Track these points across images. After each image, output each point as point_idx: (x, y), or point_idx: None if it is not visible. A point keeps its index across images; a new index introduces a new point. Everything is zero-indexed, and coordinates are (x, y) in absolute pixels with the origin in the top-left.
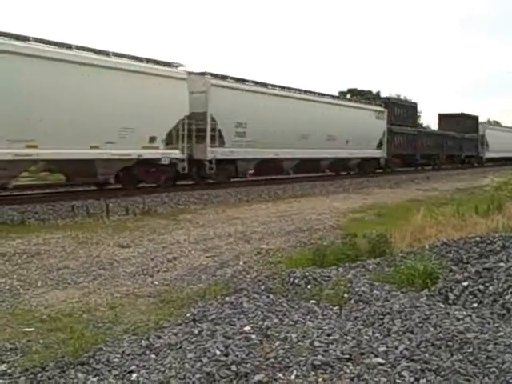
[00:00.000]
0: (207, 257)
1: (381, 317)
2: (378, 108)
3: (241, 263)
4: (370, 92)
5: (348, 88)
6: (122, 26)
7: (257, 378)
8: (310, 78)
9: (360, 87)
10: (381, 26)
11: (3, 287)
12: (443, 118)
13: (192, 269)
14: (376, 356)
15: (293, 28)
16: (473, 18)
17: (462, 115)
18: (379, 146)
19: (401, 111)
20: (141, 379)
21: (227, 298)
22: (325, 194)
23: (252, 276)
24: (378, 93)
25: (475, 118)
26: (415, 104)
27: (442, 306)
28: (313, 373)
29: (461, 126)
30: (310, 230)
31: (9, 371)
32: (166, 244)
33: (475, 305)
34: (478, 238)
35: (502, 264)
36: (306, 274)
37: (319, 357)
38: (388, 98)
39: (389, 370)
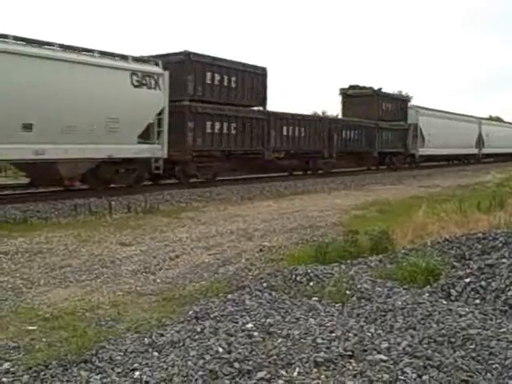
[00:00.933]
0: (209, 254)
1: (383, 313)
2: (143, 67)
3: (243, 261)
4: (371, 88)
5: (350, 84)
6: (120, 23)
7: (259, 374)
8: (311, 75)
9: (361, 83)
10: (382, 24)
11: (6, 286)
12: (348, 100)
13: (194, 266)
14: (378, 353)
15: (294, 24)
16: (473, 14)
17: (377, 94)
18: (147, 136)
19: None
20: (144, 377)
21: (229, 296)
22: (326, 190)
23: (254, 273)
24: (380, 89)
25: (402, 100)
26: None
27: (445, 302)
28: (315, 370)
29: (374, 110)
30: (311, 227)
31: (12, 369)
32: (168, 242)
33: (477, 301)
34: (480, 235)
35: (504, 260)
36: (308, 271)
37: (322, 354)
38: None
39: (391, 366)
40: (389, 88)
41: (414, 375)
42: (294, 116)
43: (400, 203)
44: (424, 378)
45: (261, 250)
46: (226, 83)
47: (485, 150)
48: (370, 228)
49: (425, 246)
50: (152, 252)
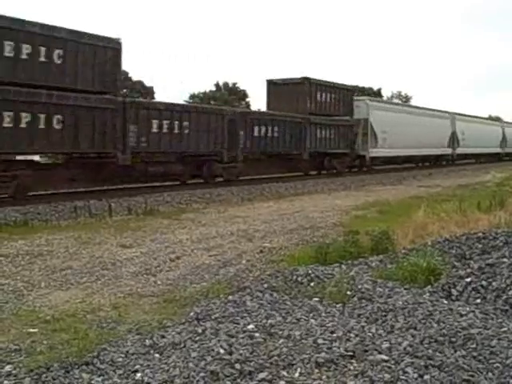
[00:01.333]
0: (210, 256)
1: (384, 313)
2: None
3: (243, 262)
4: (370, 89)
5: (350, 85)
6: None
7: (261, 375)
8: (311, 74)
9: (361, 84)
10: (382, 23)
11: (7, 288)
12: (274, 89)
13: (195, 268)
14: (380, 353)
15: (293, 23)
16: (471, 12)
17: (309, 82)
18: None
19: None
20: (145, 378)
21: (230, 297)
22: (326, 191)
23: (255, 274)
24: (379, 90)
25: (347, 90)
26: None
27: (445, 302)
28: (317, 370)
29: (304, 101)
30: (312, 227)
31: (14, 372)
32: (168, 243)
33: (478, 300)
34: (480, 234)
35: (504, 259)
36: (309, 271)
37: (323, 354)
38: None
39: (392, 366)
40: (388, 88)
41: (416, 375)
42: (170, 106)
43: (400, 203)
44: (425, 377)
45: (261, 251)
46: (42, 57)
47: (460, 150)
48: (370, 228)
49: (425, 245)
50: (152, 254)
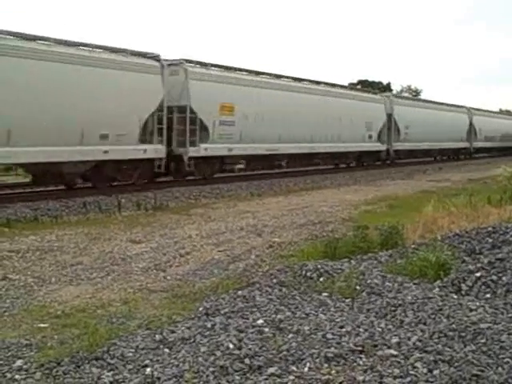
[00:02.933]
0: (219, 251)
1: (393, 308)
2: None
3: (253, 257)
4: (380, 83)
5: (358, 79)
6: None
7: (270, 370)
8: (320, 70)
9: (371, 78)
10: (391, 17)
11: (18, 284)
12: None
13: (204, 263)
14: (389, 348)
15: (303, 20)
16: (482, 5)
17: None
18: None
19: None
20: (155, 373)
21: (240, 292)
22: (336, 186)
23: (264, 269)
24: (389, 84)
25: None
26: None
27: (455, 296)
28: (326, 365)
29: None
30: (321, 222)
31: (25, 367)
32: (177, 239)
33: (488, 295)
34: (490, 229)
35: None
36: (318, 266)
37: (332, 349)
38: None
39: (402, 361)
40: (398, 82)
41: (425, 370)
42: None
43: (410, 198)
44: (435, 372)
45: (270, 246)
46: None
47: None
48: (379, 223)
49: (435, 240)
50: (162, 249)
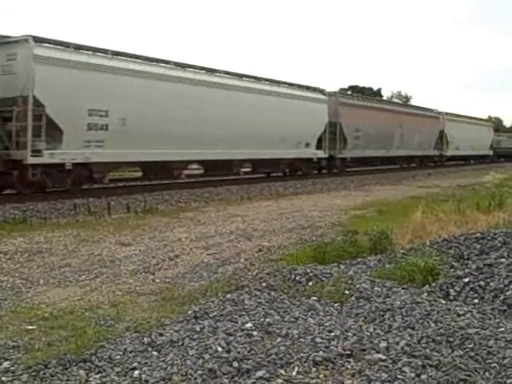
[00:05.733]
0: (208, 254)
1: (382, 313)
2: None
3: (242, 260)
4: (370, 89)
5: (349, 85)
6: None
7: (258, 374)
8: (311, 75)
9: (361, 84)
10: (382, 24)
11: (5, 285)
12: None
13: (193, 266)
14: (377, 352)
15: (294, 24)
16: (474, 12)
17: None
18: None
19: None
20: (143, 376)
21: (228, 295)
22: (326, 191)
23: (253, 273)
24: (379, 90)
25: None
26: None
27: (443, 301)
28: (314, 369)
29: None
30: (311, 227)
31: (12, 368)
32: (167, 242)
33: (476, 301)
34: (478, 235)
35: (502, 260)
36: (308, 270)
37: (321, 353)
38: None
39: (390, 365)
40: (388, 88)
41: (413, 374)
42: None
43: (399, 203)
44: (422, 377)
45: (260, 250)
46: None
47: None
48: (369, 228)
49: (424, 245)
50: (151, 252)
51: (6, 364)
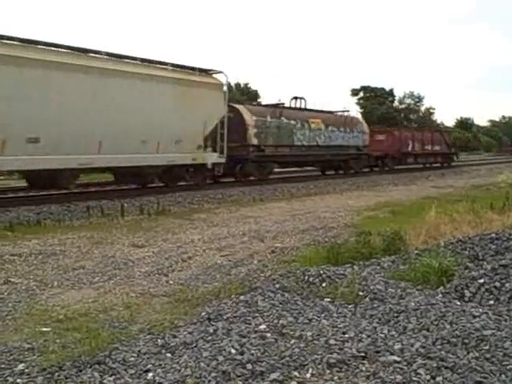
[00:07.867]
0: (222, 256)
1: (396, 314)
2: None
3: (255, 262)
4: (383, 89)
5: (361, 85)
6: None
7: (272, 376)
8: (323, 76)
9: (373, 84)
10: (395, 24)
11: (20, 287)
12: None
13: (206, 268)
14: (392, 354)
15: (305, 26)
16: (487, 11)
17: None
18: None
19: None
20: (157, 378)
21: (242, 297)
22: (338, 191)
23: (266, 275)
24: (392, 90)
25: None
26: None
27: (458, 303)
28: (328, 371)
29: None
30: (324, 228)
31: (26, 371)
32: (180, 243)
33: (491, 302)
34: (493, 235)
35: None
36: (321, 272)
37: (334, 355)
38: None
39: (405, 367)
40: (401, 88)
41: (428, 376)
42: None
43: (412, 204)
44: (438, 379)
45: (273, 252)
46: None
47: None
48: (382, 229)
49: (438, 246)
50: (164, 253)
51: (21, 366)
